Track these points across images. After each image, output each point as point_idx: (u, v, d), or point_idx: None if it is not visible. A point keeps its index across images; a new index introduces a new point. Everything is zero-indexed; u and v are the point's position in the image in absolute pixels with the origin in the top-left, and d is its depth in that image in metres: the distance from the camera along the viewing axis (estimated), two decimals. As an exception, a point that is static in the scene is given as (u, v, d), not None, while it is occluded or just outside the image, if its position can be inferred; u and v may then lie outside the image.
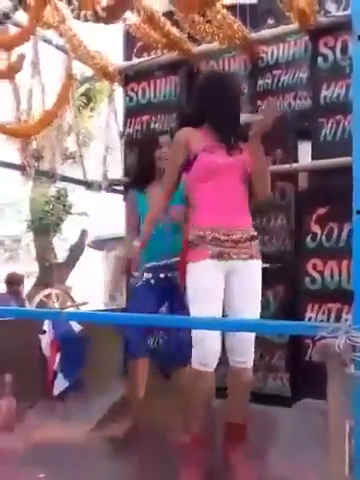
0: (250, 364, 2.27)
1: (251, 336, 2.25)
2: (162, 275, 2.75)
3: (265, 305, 3.03)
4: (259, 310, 2.27)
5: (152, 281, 2.76)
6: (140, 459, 2.43)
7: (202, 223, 2.27)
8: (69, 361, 3.22)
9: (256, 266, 2.31)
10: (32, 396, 2.96)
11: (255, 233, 2.31)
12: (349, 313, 2.73)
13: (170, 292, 2.73)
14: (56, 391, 3.17)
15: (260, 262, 2.32)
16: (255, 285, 2.30)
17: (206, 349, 2.18)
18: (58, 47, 3.43)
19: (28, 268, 10.88)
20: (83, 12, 2.28)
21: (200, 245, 2.24)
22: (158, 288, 2.75)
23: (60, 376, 3.20)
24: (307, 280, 2.96)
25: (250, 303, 2.26)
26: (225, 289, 2.27)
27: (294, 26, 3.04)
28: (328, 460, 1.43)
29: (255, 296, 2.29)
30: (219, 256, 2.24)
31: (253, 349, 2.26)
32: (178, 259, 2.47)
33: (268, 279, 2.77)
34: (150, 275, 2.77)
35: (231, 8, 3.03)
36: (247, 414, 2.29)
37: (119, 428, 2.65)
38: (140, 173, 2.93)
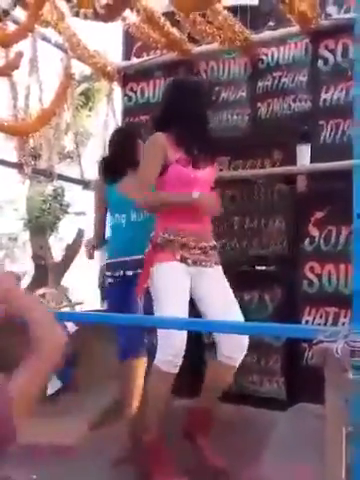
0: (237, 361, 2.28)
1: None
2: (123, 273, 2.67)
3: (263, 308, 3.03)
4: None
5: (112, 280, 2.71)
6: (132, 459, 2.41)
7: (172, 228, 2.31)
8: (63, 361, 3.19)
9: (220, 270, 2.41)
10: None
11: (215, 244, 2.43)
12: (347, 317, 2.73)
13: (130, 291, 2.61)
14: (49, 391, 3.14)
15: (220, 267, 2.42)
16: (227, 285, 2.38)
17: (177, 349, 2.18)
18: (57, 45, 3.41)
19: (24, 267, 10.84)
20: (82, 10, 2.26)
21: (168, 248, 2.30)
22: (128, 285, 2.64)
23: (53, 376, 3.17)
24: (305, 283, 2.94)
25: (232, 302, 2.34)
26: (198, 295, 2.32)
27: (295, 28, 3.02)
28: (325, 465, 1.42)
29: (231, 294, 2.36)
30: (186, 261, 2.30)
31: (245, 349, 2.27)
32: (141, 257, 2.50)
33: (266, 282, 2.77)
34: (121, 272, 2.70)
35: (232, 9, 3.01)
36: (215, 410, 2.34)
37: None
38: (117, 163, 2.81)
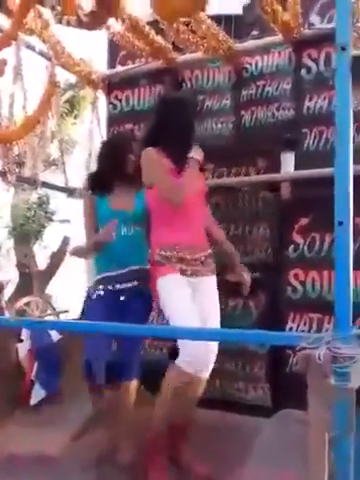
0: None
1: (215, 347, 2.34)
2: (116, 286, 2.64)
3: (247, 314, 3.04)
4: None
5: (102, 293, 2.65)
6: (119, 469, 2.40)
7: (167, 243, 2.38)
8: (47, 371, 3.17)
9: (214, 281, 2.50)
10: (8, 405, 2.90)
11: (211, 251, 2.51)
12: (330, 323, 2.74)
13: (122, 305, 2.63)
14: (33, 401, 3.11)
15: (214, 277, 2.52)
16: (214, 299, 2.49)
17: (192, 355, 2.22)
18: (41, 53, 3.40)
19: (8, 275, 10.73)
20: (66, 17, 2.27)
21: (167, 264, 2.37)
22: (110, 300, 2.63)
23: (37, 386, 3.14)
24: (289, 290, 2.96)
25: (215, 316, 2.43)
26: (197, 304, 2.35)
27: (278, 38, 3.06)
28: (308, 471, 1.42)
29: (216, 309, 2.48)
30: (185, 273, 2.37)
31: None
32: (136, 268, 2.62)
33: (250, 289, 2.77)
34: (103, 286, 2.66)
35: (216, 19, 3.04)
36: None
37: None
38: (106, 177, 2.74)
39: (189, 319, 2.22)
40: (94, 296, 2.67)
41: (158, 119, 2.51)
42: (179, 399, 2.27)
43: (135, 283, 2.63)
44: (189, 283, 2.37)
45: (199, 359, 2.25)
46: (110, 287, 2.64)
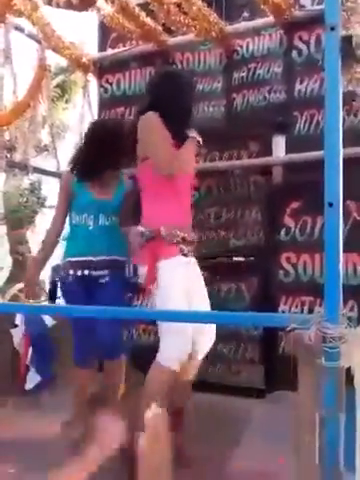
0: (156, 362, 2.22)
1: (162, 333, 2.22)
2: (85, 272, 2.61)
3: (239, 298, 3.06)
4: None
5: (73, 278, 2.61)
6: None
7: (172, 221, 2.28)
8: (41, 356, 3.18)
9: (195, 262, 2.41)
10: (3, 390, 2.91)
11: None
12: (322, 306, 2.76)
13: (92, 291, 2.61)
14: (28, 386, 3.13)
15: None
16: (201, 281, 2.39)
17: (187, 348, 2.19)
18: (31, 36, 3.36)
19: (1, 262, 10.71)
20: (55, -1, 2.24)
21: (171, 242, 2.27)
22: (84, 285, 2.61)
23: (32, 371, 3.16)
24: (281, 273, 2.97)
25: (203, 296, 2.35)
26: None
27: (269, 20, 3.04)
28: (298, 450, 1.44)
29: (204, 290, 2.38)
30: (186, 254, 2.31)
31: (163, 346, 2.22)
32: (109, 258, 2.56)
33: (242, 272, 2.79)
34: (72, 271, 2.62)
35: (207, 0, 3.01)
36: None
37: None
38: (97, 163, 2.61)
39: (183, 307, 2.20)
40: (70, 279, 2.64)
41: (160, 90, 2.34)
42: (165, 395, 2.25)
43: (106, 272, 2.62)
44: (186, 264, 2.32)
45: (178, 351, 2.20)
46: (80, 273, 2.61)
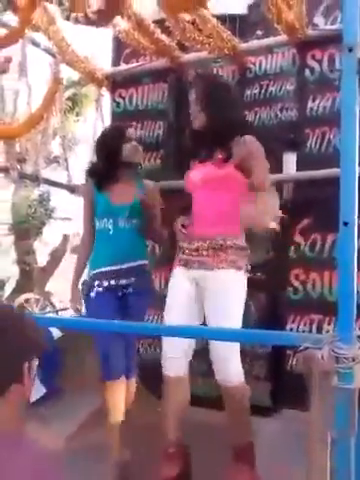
0: (232, 382, 2.19)
1: (225, 353, 2.18)
2: (113, 282, 2.62)
3: (248, 314, 3.04)
4: (233, 321, 2.16)
5: (102, 289, 2.62)
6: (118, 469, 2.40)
7: (191, 232, 2.32)
8: (47, 367, 3.17)
9: (223, 276, 2.24)
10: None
11: (227, 242, 2.27)
12: (331, 324, 2.75)
13: (121, 301, 2.63)
14: (33, 398, 3.11)
15: (230, 271, 2.25)
16: (220, 296, 2.22)
17: (166, 354, 2.25)
18: (46, 50, 3.40)
19: (8, 272, 10.73)
20: (73, 14, 2.27)
21: (178, 253, 2.34)
22: (110, 296, 2.62)
23: (38, 382, 3.14)
24: (290, 290, 2.96)
25: (218, 314, 2.19)
26: (199, 300, 2.30)
27: (282, 38, 3.06)
28: (309, 471, 1.42)
29: (222, 307, 2.21)
30: (186, 265, 2.31)
31: (233, 365, 2.20)
32: (134, 265, 2.62)
33: (251, 288, 2.78)
34: (99, 282, 2.64)
35: (221, 18, 3.04)
36: (245, 432, 2.23)
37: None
38: (103, 171, 2.73)
39: (175, 318, 2.22)
40: (93, 293, 2.65)
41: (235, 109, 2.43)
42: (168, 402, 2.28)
43: (132, 280, 2.63)
44: (186, 276, 2.30)
45: (166, 358, 2.26)
46: (106, 283, 2.63)
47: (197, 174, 2.37)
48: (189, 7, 2.52)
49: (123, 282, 2.63)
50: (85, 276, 2.81)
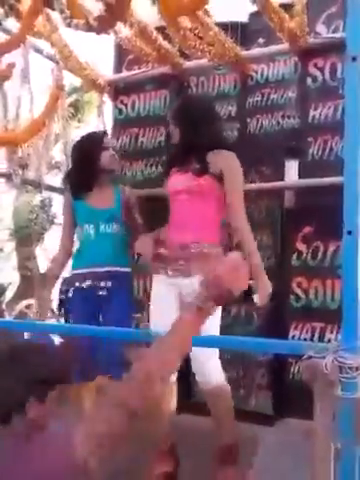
0: (211, 383, 2.25)
1: (204, 355, 2.19)
2: (89, 283, 2.67)
3: (249, 322, 3.03)
4: (212, 326, 2.13)
5: (78, 290, 2.68)
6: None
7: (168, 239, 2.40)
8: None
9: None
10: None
11: (203, 249, 2.33)
12: (333, 332, 2.74)
13: (98, 303, 2.66)
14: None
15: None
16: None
17: None
18: (48, 56, 3.41)
19: (9, 278, 10.72)
20: (75, 21, 2.27)
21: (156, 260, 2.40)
22: (86, 296, 2.67)
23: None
24: (292, 298, 2.95)
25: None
26: None
27: (284, 46, 3.07)
28: (312, 482, 1.41)
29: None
30: (164, 271, 2.36)
31: (211, 367, 2.25)
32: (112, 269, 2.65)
33: (252, 296, 2.77)
34: (77, 284, 2.69)
35: (223, 26, 3.05)
36: (230, 432, 2.27)
37: None
38: (81, 178, 2.78)
39: (159, 326, 2.22)
40: (70, 294, 2.71)
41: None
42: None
43: (109, 284, 2.66)
44: (165, 282, 2.35)
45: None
46: (84, 284, 2.68)
47: (175, 182, 2.44)
48: (189, 13, 2.53)
49: (100, 284, 2.66)
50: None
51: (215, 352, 2.23)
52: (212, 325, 2.24)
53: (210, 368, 2.23)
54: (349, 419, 1.32)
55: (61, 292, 2.81)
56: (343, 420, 1.33)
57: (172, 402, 2.39)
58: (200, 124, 2.41)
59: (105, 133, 3.01)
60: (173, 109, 2.57)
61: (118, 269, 2.71)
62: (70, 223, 2.83)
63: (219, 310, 2.33)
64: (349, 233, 1.36)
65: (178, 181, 2.42)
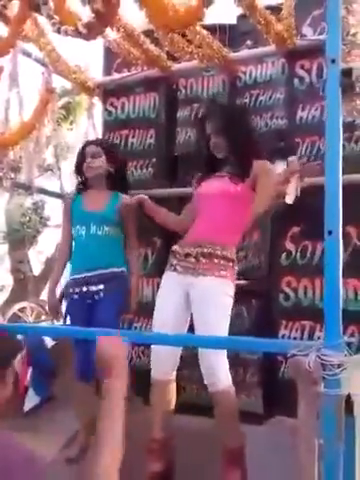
0: (220, 387, 2.25)
1: (213, 358, 2.22)
2: (84, 289, 2.72)
3: (239, 321, 3.05)
4: (214, 328, 2.20)
5: (75, 296, 2.74)
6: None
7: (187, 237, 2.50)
8: (41, 377, 3.17)
9: (206, 283, 2.33)
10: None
11: (216, 251, 2.37)
12: (322, 331, 2.75)
13: (91, 308, 2.69)
14: (26, 407, 3.11)
15: (215, 280, 2.34)
16: (203, 304, 2.29)
17: (154, 358, 2.33)
18: (37, 60, 3.42)
19: (2, 281, 10.71)
20: (64, 27, 2.29)
21: (170, 258, 2.46)
22: (80, 303, 2.72)
23: (31, 392, 3.14)
24: (281, 297, 2.98)
25: (199, 323, 2.28)
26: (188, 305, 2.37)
27: (271, 48, 3.10)
28: (298, 478, 1.43)
29: (204, 315, 2.28)
30: (174, 269, 2.39)
31: (221, 370, 2.26)
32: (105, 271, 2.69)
33: (242, 295, 2.80)
34: (72, 290, 2.76)
35: (211, 28, 3.07)
36: (236, 435, 2.29)
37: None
38: (77, 183, 3.04)
39: (159, 323, 2.29)
40: (68, 299, 2.79)
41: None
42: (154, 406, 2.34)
43: (101, 287, 2.70)
44: (175, 279, 2.38)
45: (153, 362, 2.33)
46: (78, 290, 2.74)
47: (210, 186, 2.53)
48: (179, 27, 2.57)
49: (93, 289, 2.71)
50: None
51: (223, 355, 2.24)
52: (222, 326, 2.28)
53: (219, 372, 2.23)
54: (332, 416, 1.35)
55: (61, 298, 2.90)
56: (326, 417, 1.35)
57: (172, 401, 2.41)
58: (243, 134, 2.58)
59: (87, 142, 3.12)
60: (212, 119, 2.65)
61: (112, 270, 2.75)
62: (68, 228, 2.92)
63: (229, 310, 2.36)
64: (330, 233, 1.38)
65: (213, 185, 2.53)
